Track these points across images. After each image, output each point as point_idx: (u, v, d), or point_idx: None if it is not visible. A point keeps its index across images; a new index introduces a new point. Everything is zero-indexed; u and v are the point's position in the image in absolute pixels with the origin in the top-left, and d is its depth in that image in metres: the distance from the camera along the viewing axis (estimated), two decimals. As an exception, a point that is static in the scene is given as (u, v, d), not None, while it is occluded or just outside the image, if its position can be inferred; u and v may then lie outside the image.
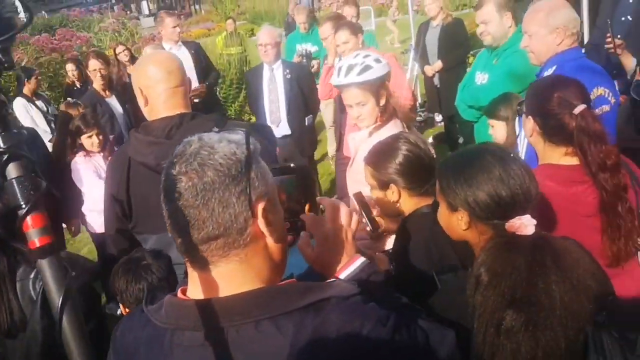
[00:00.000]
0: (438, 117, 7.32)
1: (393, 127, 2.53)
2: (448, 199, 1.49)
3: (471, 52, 6.19)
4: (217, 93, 7.42)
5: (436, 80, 6.15)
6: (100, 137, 3.68)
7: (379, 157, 1.96)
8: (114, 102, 4.89)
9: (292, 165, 1.24)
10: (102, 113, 4.58)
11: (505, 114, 2.86)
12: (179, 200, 0.97)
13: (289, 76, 4.64)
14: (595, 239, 1.79)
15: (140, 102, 2.10)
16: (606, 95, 2.48)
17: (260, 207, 1.00)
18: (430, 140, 7.16)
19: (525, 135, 2.03)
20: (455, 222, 1.49)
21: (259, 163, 1.04)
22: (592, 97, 2.42)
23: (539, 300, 1.24)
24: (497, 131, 3.01)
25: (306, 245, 1.24)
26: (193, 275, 1.05)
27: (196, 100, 5.45)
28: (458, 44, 5.86)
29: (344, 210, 1.24)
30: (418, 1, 12.33)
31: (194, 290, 1.05)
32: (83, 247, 5.27)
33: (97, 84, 4.87)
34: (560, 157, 1.87)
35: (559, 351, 1.23)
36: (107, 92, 4.91)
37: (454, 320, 1.33)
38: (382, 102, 2.56)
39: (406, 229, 1.88)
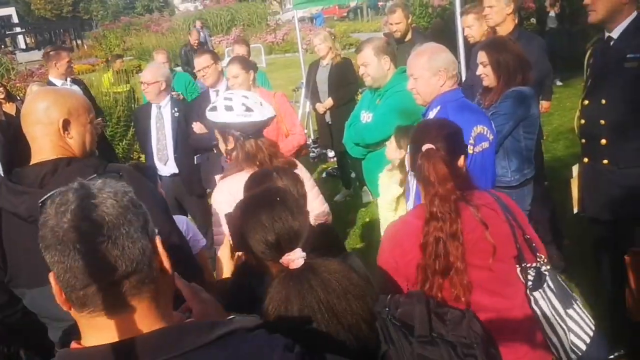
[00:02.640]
0: (331, 153, 7.46)
1: (242, 176, 2.38)
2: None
3: (360, 90, 6.41)
4: (104, 131, 7.11)
5: (327, 117, 6.27)
6: None
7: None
8: (-18, 143, 4.45)
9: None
10: (-32, 156, 4.16)
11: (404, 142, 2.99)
12: (81, 247, 0.92)
13: (176, 114, 4.52)
14: None
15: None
16: (485, 133, 2.64)
17: (157, 240, 1.02)
18: (323, 175, 7.28)
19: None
20: (251, 259, 1.65)
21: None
22: (472, 134, 2.57)
23: (317, 321, 1.38)
24: (390, 150, 3.13)
25: (182, 316, 1.24)
26: (95, 324, 0.97)
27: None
28: (347, 82, 6.04)
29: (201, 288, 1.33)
30: (307, 41, 12.70)
31: (94, 339, 0.98)
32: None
33: (-37, 124, 4.43)
34: None
35: (354, 345, 1.39)
36: (-25, 133, 4.46)
37: None
38: (229, 146, 2.58)
39: None
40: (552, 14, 10.69)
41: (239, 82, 3.98)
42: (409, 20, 5.30)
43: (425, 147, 1.85)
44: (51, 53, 5.53)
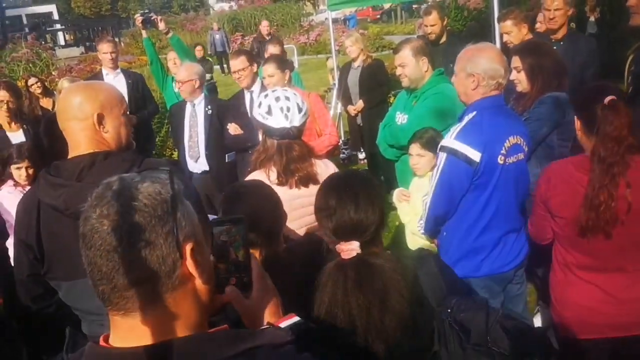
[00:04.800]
0: (361, 155, 7.43)
1: (257, 175, 2.54)
2: None
3: (392, 92, 6.36)
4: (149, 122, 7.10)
5: (359, 119, 6.25)
6: (30, 171, 3.45)
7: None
8: (19, 135, 4.58)
9: (240, 216, 1.16)
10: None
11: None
12: (101, 245, 0.93)
13: (210, 112, 4.55)
14: None
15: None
16: (520, 144, 2.57)
17: (188, 247, 0.98)
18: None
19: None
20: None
21: (184, 202, 1.01)
22: (506, 145, 2.50)
23: (356, 312, 1.48)
24: (423, 163, 3.20)
25: (238, 295, 1.19)
26: (116, 323, 0.97)
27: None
28: (378, 84, 6.00)
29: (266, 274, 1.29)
30: (339, 42, 12.68)
31: (118, 338, 0.97)
32: None
33: (1, 115, 4.57)
34: None
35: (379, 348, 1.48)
36: (12, 125, 4.61)
37: None
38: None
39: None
40: (592, 19, 10.45)
41: (274, 82, 3.95)
42: (445, 23, 5.23)
43: (608, 99, 2.04)
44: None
